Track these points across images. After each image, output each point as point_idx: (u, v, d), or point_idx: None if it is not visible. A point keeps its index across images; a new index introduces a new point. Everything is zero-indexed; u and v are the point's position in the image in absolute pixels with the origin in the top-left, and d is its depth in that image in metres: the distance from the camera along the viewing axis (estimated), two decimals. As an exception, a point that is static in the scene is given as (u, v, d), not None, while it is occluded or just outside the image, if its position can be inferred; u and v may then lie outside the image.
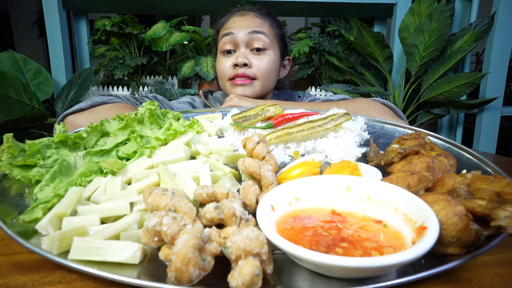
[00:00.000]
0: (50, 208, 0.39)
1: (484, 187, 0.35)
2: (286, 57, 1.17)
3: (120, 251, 0.31)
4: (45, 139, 0.51)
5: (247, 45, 1.03)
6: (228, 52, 1.05)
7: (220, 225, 0.35)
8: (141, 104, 0.95)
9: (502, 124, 1.93)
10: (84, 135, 0.54)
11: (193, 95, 2.19)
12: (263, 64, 1.03)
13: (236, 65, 1.01)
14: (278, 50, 1.10)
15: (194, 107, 1.13)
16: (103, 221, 0.38)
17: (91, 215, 0.37)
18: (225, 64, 1.04)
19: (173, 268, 0.26)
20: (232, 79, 1.03)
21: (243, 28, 1.02)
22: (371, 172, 0.48)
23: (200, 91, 1.23)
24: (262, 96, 1.07)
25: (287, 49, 1.20)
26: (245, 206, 0.38)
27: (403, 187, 0.37)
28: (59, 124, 0.83)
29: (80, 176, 0.47)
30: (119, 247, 0.31)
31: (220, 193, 0.37)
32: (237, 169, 0.48)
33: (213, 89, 1.45)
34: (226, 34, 1.03)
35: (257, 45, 1.02)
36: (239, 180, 0.50)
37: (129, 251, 0.31)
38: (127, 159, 0.53)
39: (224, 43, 1.04)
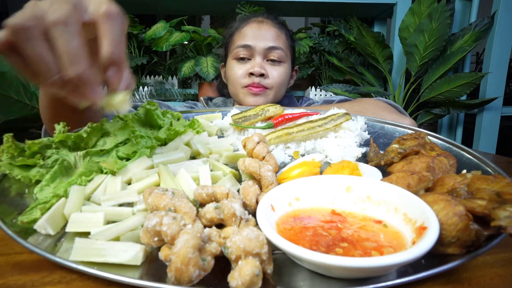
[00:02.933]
0: (49, 209, 0.39)
1: (484, 187, 0.35)
2: (294, 68, 1.19)
3: (122, 252, 0.31)
4: (45, 139, 0.51)
5: (264, 56, 1.03)
6: (242, 59, 1.04)
7: (220, 225, 0.35)
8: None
9: (502, 124, 1.93)
10: (84, 135, 0.54)
11: (193, 95, 2.19)
12: (278, 75, 1.04)
13: (251, 73, 1.01)
14: (290, 61, 1.11)
15: None
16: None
17: (97, 212, 0.37)
18: (239, 71, 1.04)
19: (173, 268, 0.26)
20: (246, 86, 1.03)
21: (261, 39, 1.02)
22: (371, 172, 0.48)
23: (201, 98, 1.24)
24: None
25: (296, 61, 1.22)
26: (245, 206, 0.38)
27: (403, 187, 0.37)
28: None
29: (80, 176, 0.47)
30: (121, 248, 0.31)
31: (220, 193, 0.37)
32: (237, 169, 0.48)
33: (214, 91, 1.45)
34: (243, 46, 1.03)
35: (273, 57, 1.03)
36: (239, 180, 0.50)
37: (131, 252, 0.31)
38: (127, 159, 0.53)
39: (240, 51, 1.04)
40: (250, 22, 1.08)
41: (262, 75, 1.01)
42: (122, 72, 0.38)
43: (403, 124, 0.72)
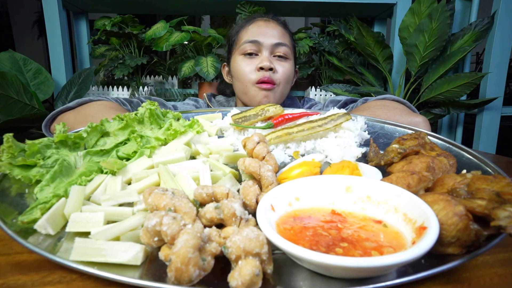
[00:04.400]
0: (49, 209, 0.39)
1: (484, 187, 0.35)
2: (295, 68, 1.21)
3: (122, 252, 0.31)
4: (45, 139, 0.51)
5: (270, 52, 1.05)
6: (250, 54, 1.05)
7: (220, 225, 0.35)
8: (130, 105, 0.97)
9: (502, 124, 1.93)
10: (84, 135, 0.54)
11: (193, 95, 2.19)
12: (284, 70, 1.05)
13: (261, 68, 1.02)
14: (294, 60, 1.13)
15: (197, 108, 1.14)
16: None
17: (97, 212, 0.37)
18: (247, 67, 1.04)
19: (173, 268, 0.26)
20: (257, 82, 1.03)
21: (268, 36, 1.05)
22: (371, 172, 0.48)
23: (204, 94, 1.24)
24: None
25: (297, 62, 1.24)
26: (245, 206, 0.38)
27: (403, 187, 0.37)
28: (48, 122, 0.84)
29: (80, 176, 0.47)
30: (121, 248, 0.31)
31: (220, 193, 0.37)
32: (237, 169, 0.48)
33: (213, 91, 1.46)
34: (251, 41, 1.04)
35: (280, 53, 1.05)
36: (239, 180, 0.50)
37: (131, 252, 0.31)
38: (127, 159, 0.53)
39: (247, 47, 1.05)
40: (256, 21, 1.11)
41: (271, 69, 1.02)
42: None
43: (403, 124, 0.72)
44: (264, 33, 1.05)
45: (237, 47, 1.09)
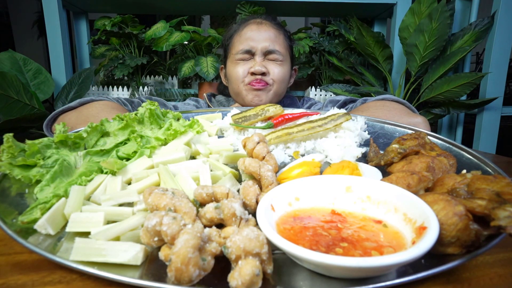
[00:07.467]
0: (49, 209, 0.39)
1: (484, 187, 0.35)
2: (293, 68, 1.21)
3: (122, 252, 0.31)
4: (45, 139, 0.51)
5: (263, 55, 1.05)
6: (243, 58, 1.06)
7: (220, 225, 0.35)
8: (131, 105, 0.97)
9: (502, 124, 1.93)
10: (84, 135, 0.54)
11: (193, 95, 2.19)
12: (278, 72, 1.05)
13: (253, 73, 1.02)
14: (289, 60, 1.13)
15: (198, 108, 1.14)
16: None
17: (97, 212, 0.37)
18: (240, 70, 1.05)
19: (173, 268, 0.26)
20: (248, 83, 1.04)
21: (260, 41, 1.05)
22: (371, 172, 0.48)
23: (204, 94, 1.24)
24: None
25: (294, 60, 1.24)
26: (245, 206, 0.38)
27: (403, 187, 0.37)
28: (49, 121, 0.84)
29: (80, 176, 0.47)
30: (121, 248, 0.31)
31: (220, 193, 0.37)
32: (237, 169, 0.48)
33: (213, 91, 1.46)
34: (244, 52, 1.05)
35: (273, 58, 1.05)
36: (239, 180, 0.50)
37: (131, 252, 0.31)
38: (127, 159, 0.53)
39: (240, 57, 1.06)
40: (249, 24, 1.10)
41: (263, 73, 1.02)
42: None
43: (403, 124, 0.72)
44: (256, 38, 1.05)
45: (231, 53, 1.10)
